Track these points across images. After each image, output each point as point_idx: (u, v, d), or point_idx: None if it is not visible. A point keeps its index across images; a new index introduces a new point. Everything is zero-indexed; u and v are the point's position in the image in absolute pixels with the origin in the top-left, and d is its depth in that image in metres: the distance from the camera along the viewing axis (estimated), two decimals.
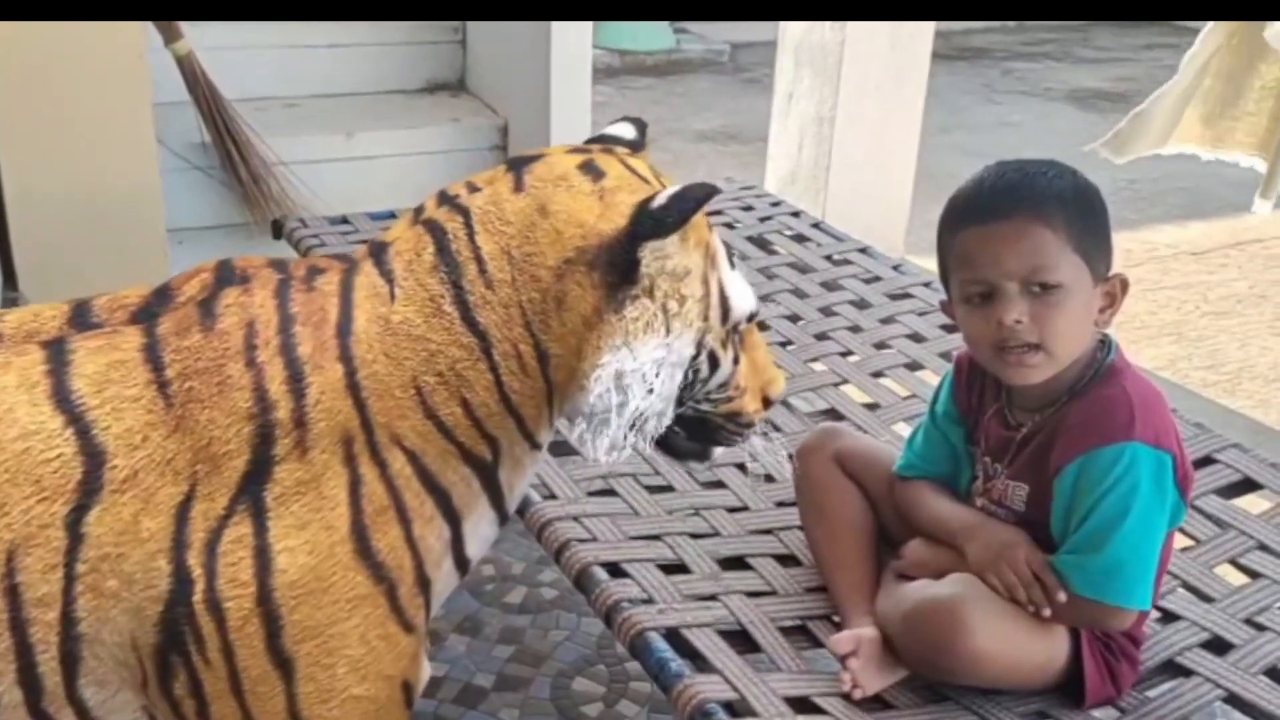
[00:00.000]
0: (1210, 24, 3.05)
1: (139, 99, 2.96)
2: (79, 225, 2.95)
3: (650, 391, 1.31)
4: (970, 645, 1.43)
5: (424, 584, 1.33)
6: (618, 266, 1.29)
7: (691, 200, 1.29)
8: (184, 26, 3.24)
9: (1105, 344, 1.53)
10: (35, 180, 2.90)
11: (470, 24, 3.91)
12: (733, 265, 1.42)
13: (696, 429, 1.49)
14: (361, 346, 1.28)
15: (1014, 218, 1.45)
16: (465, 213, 1.33)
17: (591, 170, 1.35)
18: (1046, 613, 1.45)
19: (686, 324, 1.34)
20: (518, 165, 1.37)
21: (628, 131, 1.52)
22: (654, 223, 1.28)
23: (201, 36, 3.33)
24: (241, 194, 3.39)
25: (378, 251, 1.35)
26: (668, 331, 1.32)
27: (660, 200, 1.29)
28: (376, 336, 1.29)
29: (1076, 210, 1.46)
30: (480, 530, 1.39)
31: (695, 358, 1.37)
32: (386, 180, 3.50)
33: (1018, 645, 1.46)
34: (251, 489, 1.24)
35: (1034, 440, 1.52)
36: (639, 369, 1.29)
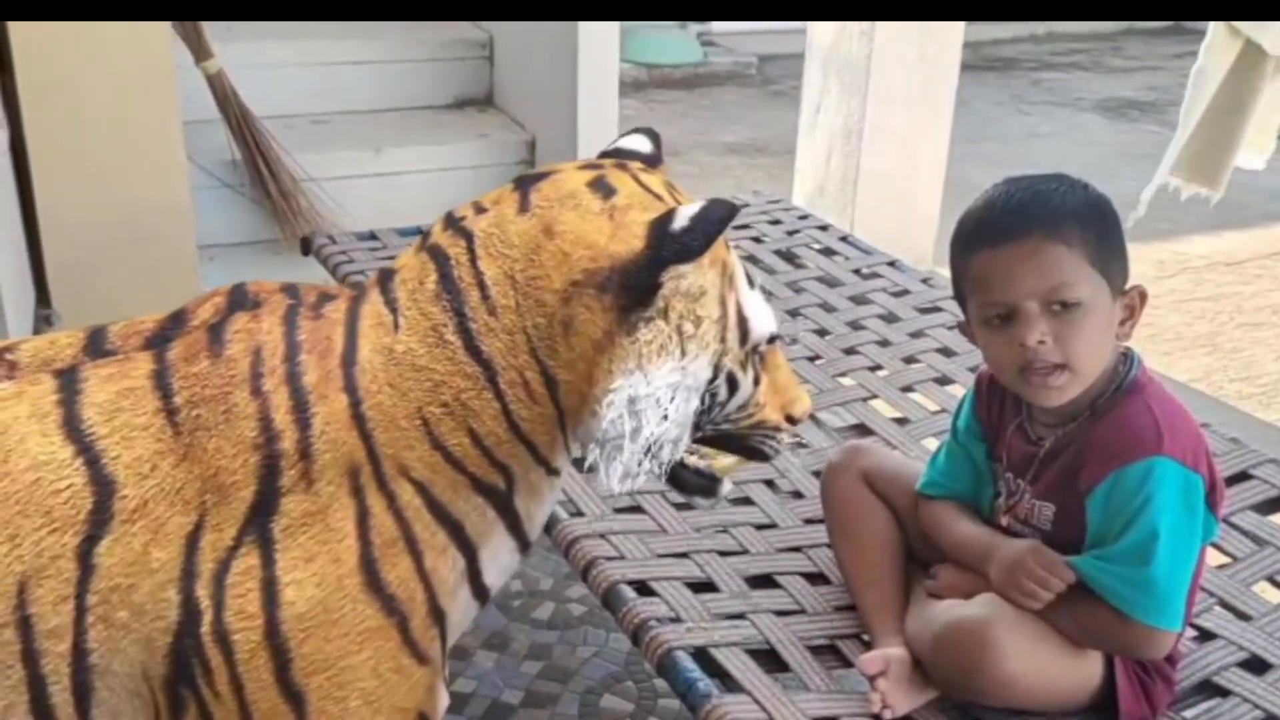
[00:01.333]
0: (1210, 34, 2.99)
1: (169, 117, 3.00)
2: (110, 243, 2.98)
3: (665, 417, 1.26)
4: (1000, 667, 1.41)
5: (438, 616, 1.31)
6: (634, 290, 1.24)
7: (716, 221, 1.24)
8: (214, 45, 3.28)
9: (1127, 357, 1.50)
10: (67, 198, 2.93)
11: (497, 40, 3.93)
12: (752, 285, 1.37)
13: (720, 443, 1.45)
14: (366, 377, 1.26)
15: (1029, 238, 1.42)
16: (469, 237, 1.29)
17: (602, 187, 1.30)
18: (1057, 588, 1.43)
19: (703, 346, 1.29)
20: (525, 184, 1.33)
21: (643, 145, 1.46)
22: (679, 246, 1.23)
23: (232, 55, 3.36)
24: (271, 210, 3.42)
25: (385, 280, 1.33)
26: (683, 354, 1.27)
27: (681, 222, 1.24)
28: (381, 367, 1.26)
29: (1091, 225, 1.44)
30: (500, 559, 1.36)
31: (712, 381, 1.33)
32: (415, 196, 3.52)
33: (1049, 667, 1.44)
34: (259, 521, 1.22)
35: (1059, 458, 1.50)
36: (653, 393, 1.25)
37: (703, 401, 1.33)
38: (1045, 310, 1.42)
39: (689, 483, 1.47)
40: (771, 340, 1.39)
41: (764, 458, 1.48)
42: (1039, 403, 1.49)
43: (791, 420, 1.47)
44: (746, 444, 1.46)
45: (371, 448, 1.25)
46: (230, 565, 1.21)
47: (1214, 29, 2.98)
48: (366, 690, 1.26)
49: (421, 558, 1.28)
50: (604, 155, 1.44)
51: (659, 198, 1.32)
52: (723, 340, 1.32)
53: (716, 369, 1.32)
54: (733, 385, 1.36)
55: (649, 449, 1.27)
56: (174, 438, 1.23)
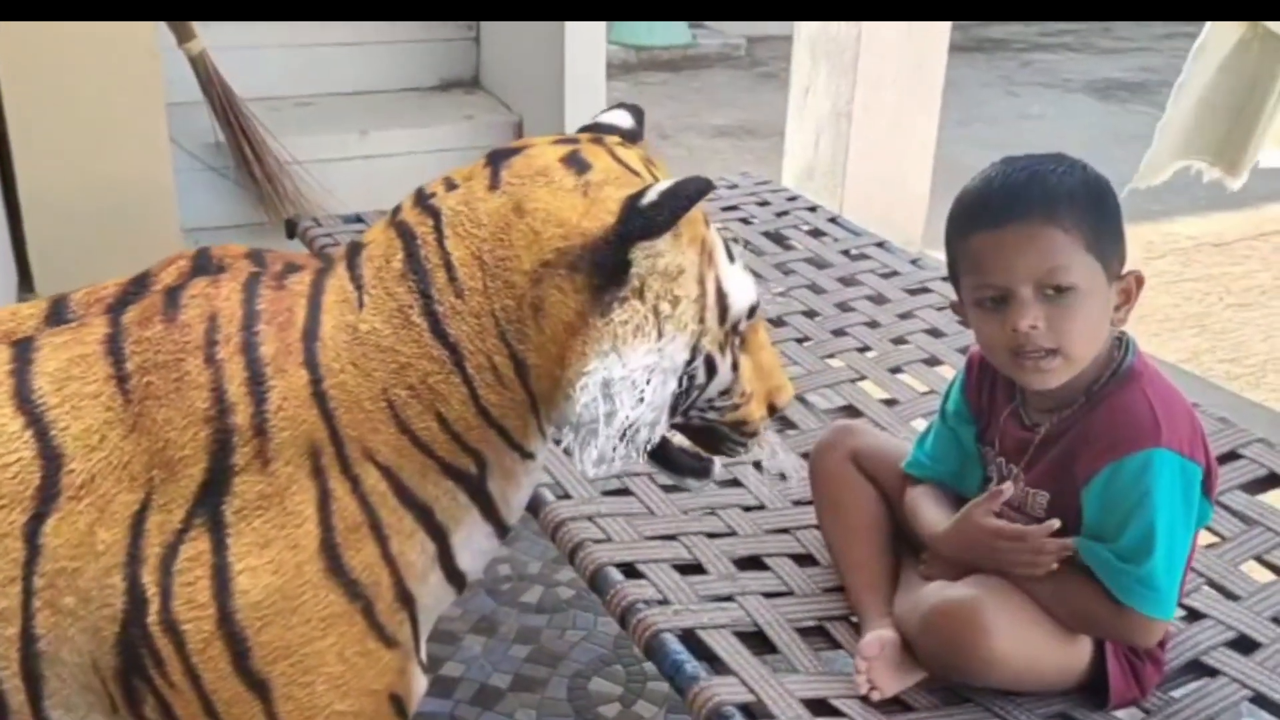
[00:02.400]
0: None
1: (152, 99, 2.97)
2: (93, 226, 2.96)
3: (641, 400, 1.21)
4: (988, 647, 1.40)
5: (405, 599, 1.26)
6: (605, 268, 1.19)
7: (684, 197, 1.19)
8: (197, 26, 3.24)
9: (1123, 342, 1.49)
10: (49, 181, 2.91)
11: (484, 21, 3.90)
12: (732, 259, 1.32)
13: (703, 439, 1.42)
14: (329, 354, 1.21)
15: (1025, 221, 1.40)
16: (436, 215, 1.24)
17: (575, 163, 1.24)
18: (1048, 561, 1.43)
19: (680, 327, 1.24)
20: (497, 160, 1.27)
21: (624, 119, 1.41)
22: (644, 221, 1.18)
23: (215, 36, 3.33)
24: (256, 193, 3.40)
25: (352, 254, 1.27)
26: (659, 335, 1.22)
27: (651, 197, 1.19)
28: (344, 345, 1.21)
29: (1088, 208, 1.41)
30: (474, 543, 1.32)
31: (690, 363, 1.28)
32: (401, 178, 3.44)
33: (1037, 647, 1.43)
34: (210, 501, 1.17)
35: (1054, 446, 1.49)
36: (628, 376, 1.20)
37: (680, 384, 1.28)
38: (1039, 294, 1.40)
39: (681, 464, 1.45)
40: (752, 313, 1.34)
41: (732, 454, 1.45)
42: (1030, 386, 1.48)
43: (773, 410, 1.43)
44: (724, 446, 1.43)
45: (334, 428, 1.20)
46: (178, 550, 1.16)
47: None
48: (333, 675, 1.22)
49: (387, 542, 1.24)
50: (583, 130, 1.39)
51: (635, 174, 1.27)
52: (701, 320, 1.27)
53: (694, 350, 1.28)
54: (711, 367, 1.31)
55: (624, 433, 1.22)
56: (124, 406, 1.17)
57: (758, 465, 1.87)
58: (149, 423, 1.17)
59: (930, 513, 1.59)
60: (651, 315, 1.22)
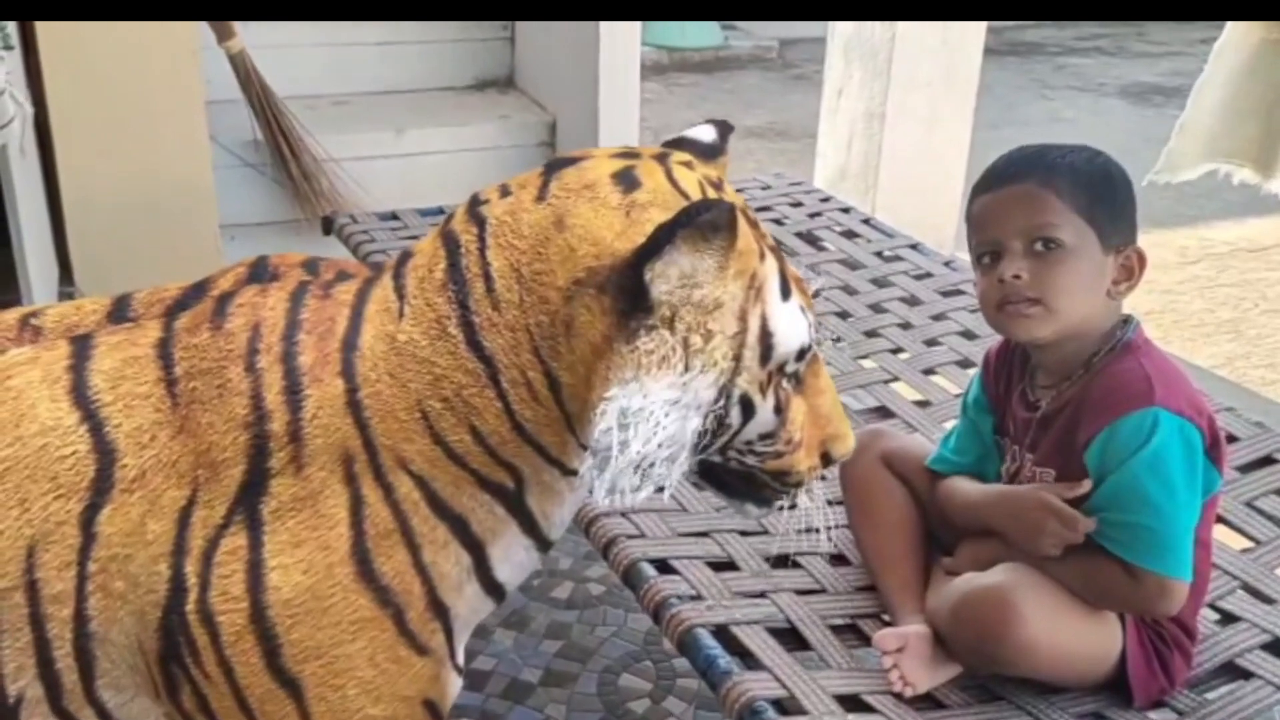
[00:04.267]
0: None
1: (192, 97, 3.01)
2: (133, 221, 2.99)
3: (655, 434, 1.15)
4: (1021, 632, 1.41)
5: (439, 609, 1.27)
6: (627, 291, 1.15)
7: (685, 218, 1.12)
8: (236, 25, 3.28)
9: (1127, 322, 1.53)
10: (91, 177, 2.95)
11: (519, 22, 3.92)
12: (786, 296, 1.24)
13: (740, 483, 1.34)
14: (366, 364, 1.21)
15: (1022, 183, 1.49)
16: (482, 224, 1.22)
17: (625, 180, 1.20)
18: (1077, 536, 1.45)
19: (710, 363, 1.18)
20: (551, 169, 1.25)
21: (706, 134, 1.36)
22: (653, 241, 1.13)
23: (254, 35, 3.36)
24: (293, 190, 3.43)
25: (400, 264, 1.27)
26: (686, 369, 1.16)
27: (667, 219, 1.14)
28: (382, 355, 1.21)
29: (1088, 180, 1.48)
30: (513, 556, 1.31)
31: (717, 402, 1.20)
32: (436, 176, 3.52)
33: (1069, 633, 1.44)
34: (248, 500, 1.20)
35: (1055, 421, 1.51)
36: (646, 408, 1.14)
37: (705, 423, 1.21)
38: (1028, 250, 1.47)
39: (738, 491, 1.36)
40: (802, 355, 1.26)
41: (767, 504, 1.36)
42: (1015, 337, 1.54)
43: (827, 460, 1.34)
44: (763, 490, 1.34)
45: (368, 437, 1.21)
46: (219, 543, 1.20)
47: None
48: (364, 680, 1.23)
49: (419, 551, 1.24)
50: (669, 144, 1.34)
51: (687, 196, 1.21)
52: (736, 359, 1.20)
53: (723, 390, 1.20)
54: (747, 409, 1.23)
55: (638, 466, 1.16)
56: (172, 409, 1.21)
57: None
58: (194, 425, 1.21)
59: (967, 486, 1.62)
60: (680, 347, 1.16)
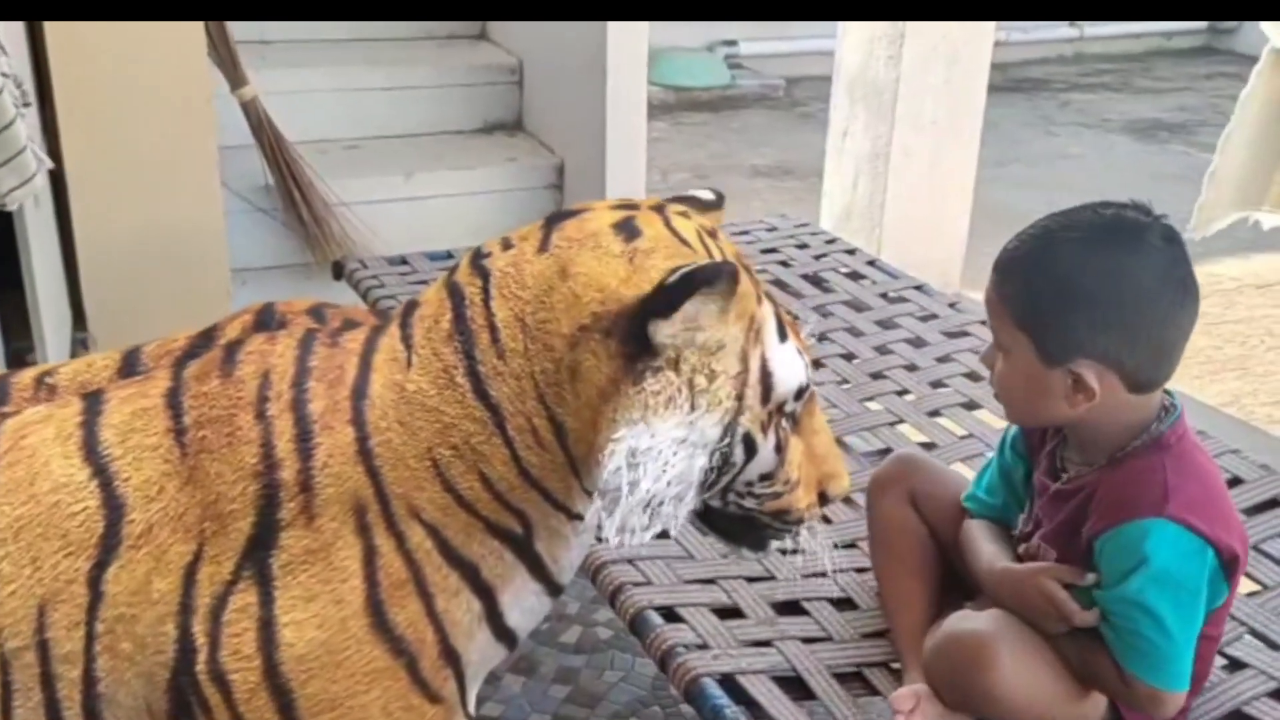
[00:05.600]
0: (1264, 59, 2.98)
1: (204, 142, 3.04)
2: (146, 266, 3.02)
3: (664, 473, 1.19)
4: (994, 679, 1.41)
5: (451, 657, 1.27)
6: (636, 336, 1.18)
7: (689, 283, 1.17)
8: (249, 72, 3.32)
9: (1169, 411, 1.46)
10: (104, 222, 2.98)
11: (527, 65, 3.96)
12: (784, 338, 1.29)
13: (741, 528, 1.38)
14: (375, 412, 1.22)
15: (992, 283, 1.48)
16: (486, 276, 1.25)
17: (626, 229, 1.24)
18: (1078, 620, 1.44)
19: (714, 403, 1.21)
20: (552, 222, 1.28)
21: (705, 194, 1.42)
22: (661, 299, 1.17)
23: (265, 81, 3.40)
24: (304, 235, 3.46)
25: (406, 313, 1.30)
26: (692, 409, 1.20)
27: (673, 277, 1.18)
28: (391, 404, 1.22)
29: (1035, 293, 1.41)
30: (524, 602, 1.32)
31: (722, 440, 1.24)
32: (445, 220, 3.55)
33: (1045, 692, 1.44)
34: (257, 555, 1.19)
35: (1067, 502, 1.49)
36: (654, 447, 1.18)
37: (711, 461, 1.24)
38: (996, 343, 1.49)
39: (735, 534, 1.40)
40: (800, 395, 1.31)
41: (763, 547, 1.42)
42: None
43: (824, 499, 1.38)
44: (764, 532, 1.38)
45: (380, 486, 1.22)
46: (227, 601, 1.19)
47: (1266, 56, 2.97)
48: None
49: (433, 600, 1.25)
50: (673, 200, 1.37)
51: (686, 244, 1.25)
52: (739, 398, 1.24)
53: (728, 428, 1.24)
54: (750, 448, 1.27)
55: (648, 504, 1.20)
56: (180, 459, 1.21)
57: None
58: (202, 475, 1.20)
59: (985, 549, 1.59)
60: (686, 388, 1.20)
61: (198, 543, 1.20)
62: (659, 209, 1.30)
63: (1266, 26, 2.93)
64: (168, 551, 1.20)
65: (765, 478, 1.31)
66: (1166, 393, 1.47)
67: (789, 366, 1.28)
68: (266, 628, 1.19)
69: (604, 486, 1.20)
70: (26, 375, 1.32)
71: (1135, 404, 1.43)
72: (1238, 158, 2.99)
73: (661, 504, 1.21)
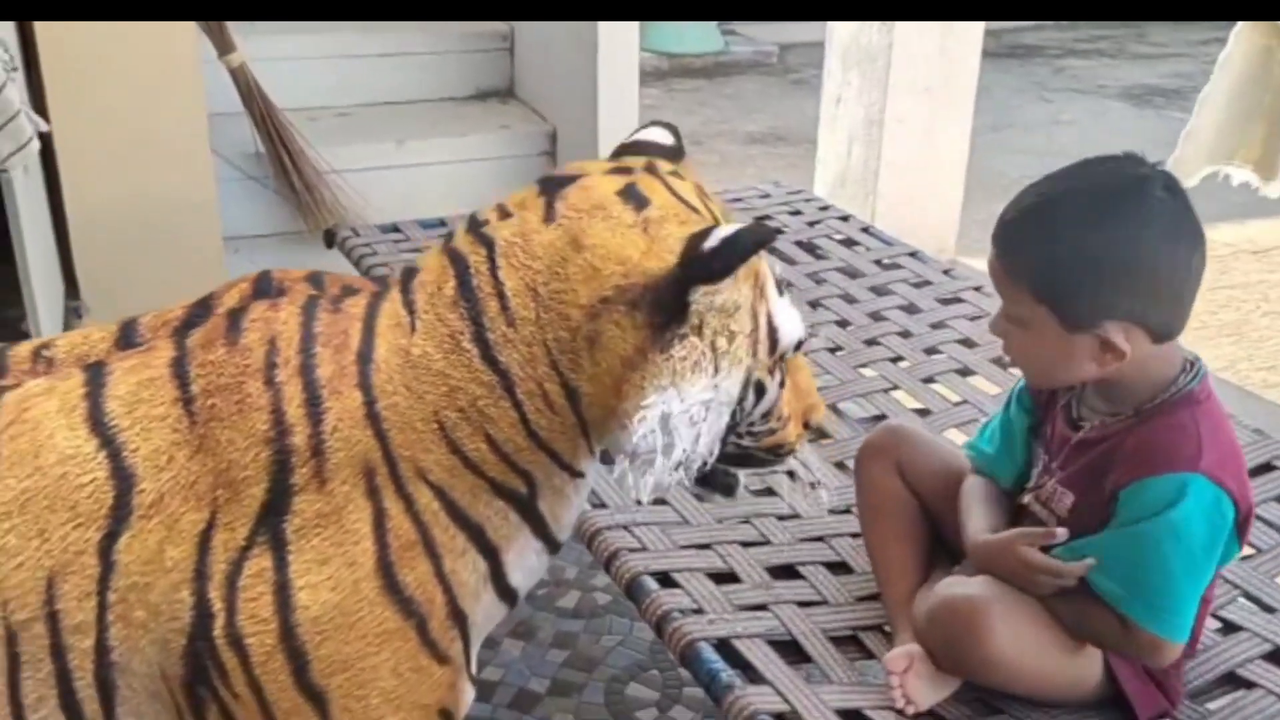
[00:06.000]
0: (1239, 23, 2.98)
1: (194, 110, 3.02)
2: (137, 234, 3.01)
3: (698, 434, 1.25)
4: (988, 644, 1.42)
5: (458, 617, 1.30)
6: (666, 307, 1.21)
7: (744, 247, 1.22)
8: (237, 38, 3.29)
9: (1193, 366, 1.47)
10: (94, 191, 2.96)
11: (518, 32, 3.93)
12: (781, 291, 1.34)
13: (737, 462, 1.43)
14: (381, 376, 1.24)
15: (996, 256, 1.47)
16: (490, 245, 1.27)
17: (633, 197, 1.26)
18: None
19: (735, 362, 1.26)
20: (550, 188, 1.29)
21: (663, 137, 1.41)
22: (704, 266, 1.21)
23: (255, 48, 3.37)
24: (295, 202, 3.43)
25: (406, 279, 1.31)
26: (716, 371, 1.24)
27: (712, 242, 1.21)
28: (397, 368, 1.24)
29: (1049, 263, 1.41)
30: (526, 561, 1.35)
31: (741, 395, 1.31)
32: (438, 187, 3.53)
33: (1041, 655, 1.44)
34: (271, 520, 1.20)
35: (1092, 450, 1.49)
36: (686, 411, 1.23)
37: (733, 416, 1.31)
38: (1005, 313, 1.49)
39: (714, 481, 1.45)
40: (798, 346, 1.37)
41: (732, 493, 1.49)
42: None
43: (807, 427, 1.45)
44: (759, 465, 1.45)
45: (387, 449, 1.23)
46: (242, 566, 1.20)
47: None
48: (387, 689, 1.25)
49: (440, 561, 1.27)
50: (623, 148, 1.40)
51: (693, 209, 1.28)
52: (754, 353, 1.30)
53: (746, 383, 1.30)
54: (760, 392, 1.34)
55: (679, 464, 1.25)
56: (189, 428, 1.22)
57: (791, 475, 1.89)
58: (213, 444, 1.21)
59: (975, 516, 1.59)
60: (709, 351, 1.23)
61: (210, 510, 1.21)
62: (652, 170, 1.32)
63: None
64: (180, 520, 1.20)
65: (765, 416, 1.38)
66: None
67: (790, 319, 1.34)
68: (282, 591, 1.20)
69: (634, 450, 1.24)
70: (24, 348, 1.31)
71: (1160, 354, 1.44)
72: (1213, 117, 2.99)
73: (692, 462, 1.27)
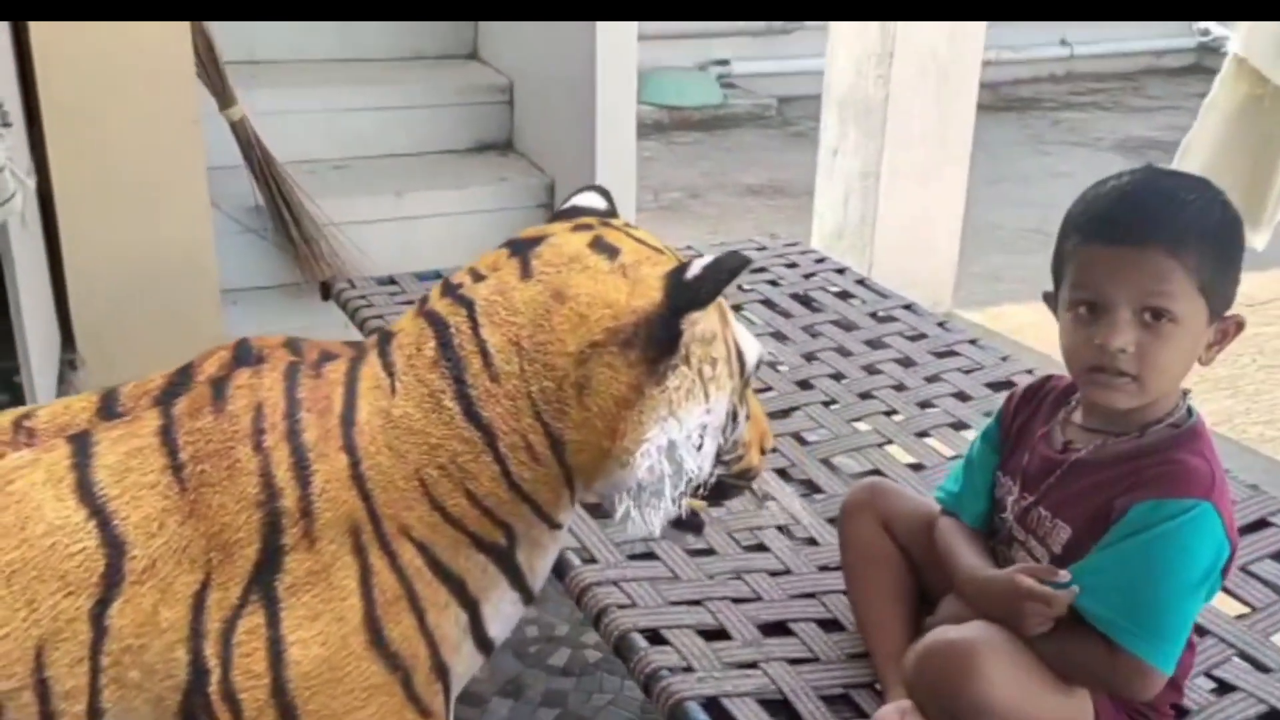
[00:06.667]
0: (1226, 66, 2.99)
1: (194, 163, 3.04)
2: (135, 287, 3.02)
3: (699, 458, 1.31)
4: (980, 691, 1.38)
5: (441, 671, 1.32)
6: (659, 341, 1.26)
7: (725, 272, 1.27)
8: (237, 92, 3.32)
9: (1185, 395, 1.47)
10: (93, 243, 2.97)
11: (517, 85, 3.97)
12: (736, 317, 1.42)
13: (712, 492, 1.45)
14: (364, 438, 1.27)
15: (1146, 247, 1.37)
16: (469, 305, 1.30)
17: (604, 248, 1.32)
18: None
19: (720, 385, 1.33)
20: (521, 249, 1.33)
21: (597, 201, 1.46)
22: (692, 295, 1.26)
23: (254, 101, 3.40)
24: (294, 255, 3.45)
25: (383, 343, 1.34)
26: (707, 396, 1.31)
27: (695, 271, 1.27)
28: (379, 429, 1.27)
29: (1214, 246, 1.39)
30: (502, 612, 1.38)
31: (729, 418, 1.37)
32: (436, 239, 3.55)
33: (1033, 699, 1.42)
34: (263, 579, 1.24)
35: (1090, 472, 1.47)
36: (687, 437, 1.29)
37: (724, 438, 1.37)
38: (1137, 317, 1.38)
39: (685, 521, 1.44)
40: (759, 365, 1.42)
41: (699, 530, 1.52)
42: (1096, 400, 1.47)
43: (762, 451, 1.50)
44: (729, 492, 1.50)
45: (372, 507, 1.27)
46: (236, 624, 1.23)
47: (1228, 64, 2.98)
48: None
49: (424, 615, 1.29)
50: (560, 214, 1.43)
51: (659, 250, 1.36)
52: (732, 376, 1.35)
53: (730, 405, 1.36)
54: (735, 419, 1.39)
55: (684, 491, 1.31)
56: (180, 494, 1.24)
57: (783, 530, 1.88)
58: (204, 508, 1.24)
59: (965, 553, 1.58)
60: (697, 378, 1.30)
61: (204, 572, 1.23)
62: (607, 224, 1.38)
63: (1233, 32, 2.95)
64: (174, 583, 1.23)
65: (734, 443, 1.43)
66: None
67: (749, 342, 1.40)
68: (274, 646, 1.23)
69: (640, 484, 1.29)
70: (4, 419, 1.33)
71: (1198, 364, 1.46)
72: (1196, 164, 3.00)
73: (693, 486, 1.33)
